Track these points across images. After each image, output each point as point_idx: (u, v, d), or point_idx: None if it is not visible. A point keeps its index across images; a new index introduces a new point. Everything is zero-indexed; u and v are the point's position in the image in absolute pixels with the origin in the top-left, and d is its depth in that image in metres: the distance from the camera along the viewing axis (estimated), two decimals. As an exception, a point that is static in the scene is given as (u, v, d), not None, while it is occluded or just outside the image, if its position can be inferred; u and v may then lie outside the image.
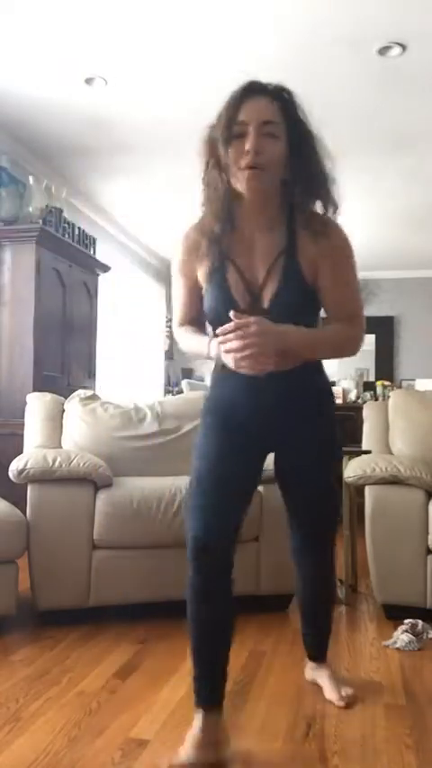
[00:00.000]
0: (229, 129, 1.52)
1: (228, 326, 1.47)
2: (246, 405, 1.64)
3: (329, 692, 1.91)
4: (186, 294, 1.72)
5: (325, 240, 1.60)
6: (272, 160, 1.52)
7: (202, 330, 1.72)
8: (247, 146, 1.50)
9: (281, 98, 1.55)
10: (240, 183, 1.54)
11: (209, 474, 1.62)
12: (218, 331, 1.50)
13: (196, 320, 1.73)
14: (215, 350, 1.53)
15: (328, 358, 1.69)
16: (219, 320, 1.58)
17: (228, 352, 1.47)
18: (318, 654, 2.00)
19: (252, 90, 1.54)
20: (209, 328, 1.69)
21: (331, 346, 1.64)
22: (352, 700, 1.89)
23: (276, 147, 1.52)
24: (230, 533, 1.62)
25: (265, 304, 1.58)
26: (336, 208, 1.62)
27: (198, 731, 1.55)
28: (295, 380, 1.61)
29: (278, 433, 1.71)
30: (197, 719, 1.57)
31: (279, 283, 1.58)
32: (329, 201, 1.63)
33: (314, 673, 2.01)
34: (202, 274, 1.66)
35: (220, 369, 1.64)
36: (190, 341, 1.70)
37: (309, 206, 1.61)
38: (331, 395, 1.79)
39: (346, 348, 1.66)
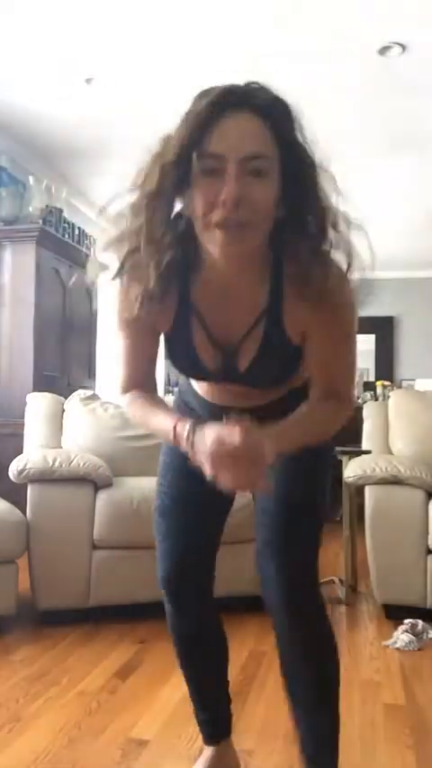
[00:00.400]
0: (198, 164, 1.03)
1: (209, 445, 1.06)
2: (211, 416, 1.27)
3: None
4: (131, 352, 1.29)
5: (319, 304, 1.14)
6: (259, 212, 1.05)
7: (155, 398, 1.31)
8: (224, 194, 1.01)
9: (273, 114, 1.06)
10: (211, 245, 1.07)
11: (172, 502, 1.39)
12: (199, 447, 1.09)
13: (145, 385, 1.31)
14: (184, 443, 1.13)
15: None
16: (184, 375, 1.36)
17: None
18: (310, 761, 1.39)
19: (231, 102, 1.03)
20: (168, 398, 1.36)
21: (312, 438, 1.25)
22: None
23: (265, 190, 1.05)
24: (204, 567, 1.43)
25: (240, 367, 1.22)
26: (351, 260, 1.16)
27: (210, 761, 1.50)
28: (275, 409, 1.24)
29: None
30: (207, 751, 1.51)
31: (258, 348, 1.20)
32: (322, 247, 1.13)
33: None
34: (157, 328, 1.25)
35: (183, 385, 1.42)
36: (146, 419, 1.27)
37: (303, 257, 1.12)
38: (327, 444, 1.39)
39: (328, 434, 1.30)
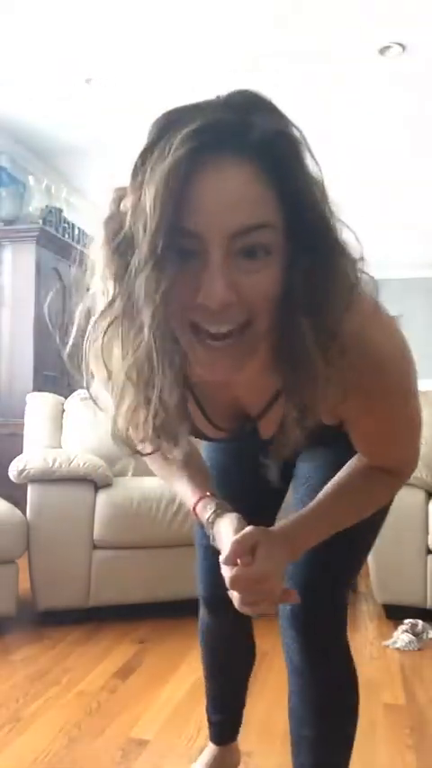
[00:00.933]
0: (167, 242, 0.68)
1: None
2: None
3: None
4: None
5: (350, 375, 0.80)
6: (258, 307, 0.73)
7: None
8: (203, 294, 0.70)
9: (271, 155, 0.71)
10: (192, 358, 0.77)
11: None
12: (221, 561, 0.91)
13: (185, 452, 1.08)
14: (204, 521, 1.00)
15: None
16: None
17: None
18: None
19: (211, 145, 0.68)
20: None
21: (352, 519, 1.00)
22: None
23: (265, 277, 0.72)
24: None
25: (264, 436, 0.97)
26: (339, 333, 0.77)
27: (212, 761, 1.48)
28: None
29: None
30: (212, 749, 1.49)
31: (279, 428, 0.89)
32: (338, 328, 0.76)
33: None
34: None
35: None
36: (169, 481, 1.12)
37: (320, 344, 0.76)
38: None
39: (377, 507, 1.04)
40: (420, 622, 2.45)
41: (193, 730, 1.74)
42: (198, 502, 1.01)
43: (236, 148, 0.68)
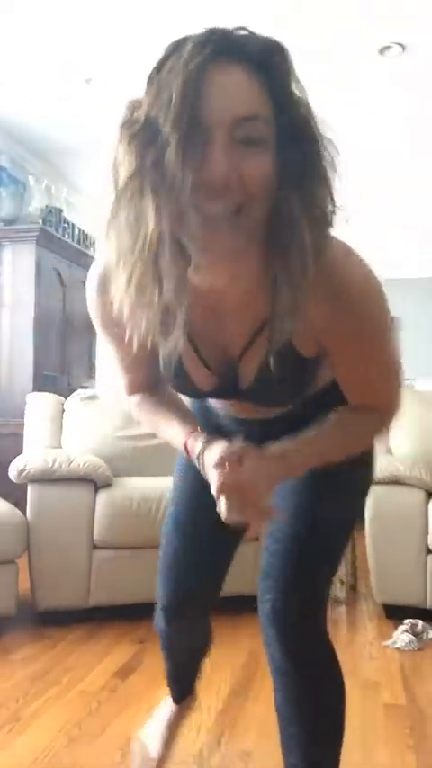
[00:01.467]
0: (180, 131, 0.77)
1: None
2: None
3: None
4: (125, 359, 1.12)
5: (331, 300, 0.91)
6: (254, 189, 0.81)
7: (163, 400, 1.16)
8: (207, 172, 0.78)
9: (268, 68, 0.83)
10: (191, 242, 0.81)
11: (181, 530, 1.31)
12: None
13: (149, 385, 1.16)
14: (195, 454, 1.02)
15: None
16: (179, 391, 1.14)
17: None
18: None
19: (218, 52, 0.80)
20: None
21: (341, 452, 1.05)
22: None
23: (262, 163, 0.81)
24: (208, 598, 1.37)
25: (243, 388, 1.03)
26: (325, 246, 0.90)
27: (173, 716, 1.52)
28: (296, 418, 1.06)
29: None
30: (169, 708, 1.52)
31: (261, 366, 0.98)
32: (325, 236, 0.91)
33: None
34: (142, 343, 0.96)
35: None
36: (156, 426, 1.16)
37: (305, 252, 0.86)
38: (366, 464, 1.28)
39: (360, 448, 1.13)
40: (420, 622, 2.45)
41: (193, 730, 1.74)
42: (188, 438, 1.04)
43: (239, 56, 0.82)
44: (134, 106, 0.88)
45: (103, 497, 2.55)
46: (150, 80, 0.85)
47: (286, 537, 1.11)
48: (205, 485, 0.99)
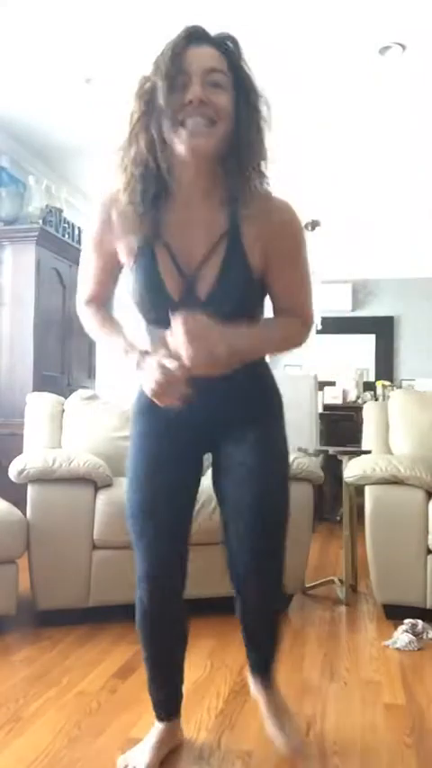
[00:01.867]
0: (169, 78, 1.26)
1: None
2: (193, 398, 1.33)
3: (271, 729, 1.60)
4: (98, 272, 1.47)
5: (270, 219, 1.36)
6: (219, 113, 1.28)
7: (113, 318, 1.48)
8: (190, 95, 1.25)
9: (226, 47, 1.33)
10: (180, 142, 1.27)
11: (145, 503, 1.48)
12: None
13: (105, 301, 1.50)
14: (132, 363, 1.33)
15: (268, 354, 1.54)
16: (145, 309, 1.41)
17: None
18: (260, 677, 1.63)
19: (194, 37, 1.31)
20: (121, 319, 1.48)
21: (275, 346, 1.47)
22: (300, 747, 1.59)
23: (222, 97, 1.29)
24: (181, 562, 1.54)
25: (202, 294, 1.35)
26: (264, 181, 1.37)
27: (160, 737, 1.59)
28: (240, 378, 1.38)
29: (221, 432, 1.49)
30: (159, 726, 1.60)
31: (219, 271, 1.34)
32: (261, 174, 1.36)
33: (258, 695, 1.65)
34: (123, 253, 1.40)
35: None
36: (102, 334, 1.46)
37: (251, 177, 1.34)
38: (278, 392, 1.54)
39: (291, 346, 1.47)
40: (420, 622, 2.45)
41: (193, 730, 1.74)
42: (128, 351, 1.36)
43: (207, 40, 1.33)
44: (143, 78, 1.32)
45: (103, 497, 2.55)
46: (155, 62, 1.30)
47: (249, 524, 1.46)
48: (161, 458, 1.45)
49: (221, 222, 1.36)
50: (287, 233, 1.40)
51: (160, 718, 1.60)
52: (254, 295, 1.42)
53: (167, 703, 1.61)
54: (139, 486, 1.49)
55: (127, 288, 1.44)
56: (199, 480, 1.58)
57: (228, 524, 1.51)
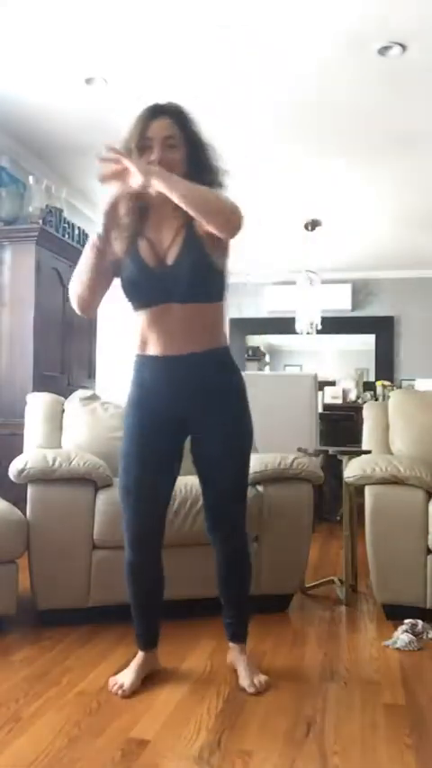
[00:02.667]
0: (138, 144, 1.86)
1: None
2: (161, 378, 1.93)
3: (242, 679, 2.01)
4: (97, 257, 1.94)
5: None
6: (172, 166, 1.83)
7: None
8: (152, 156, 1.84)
9: (178, 116, 1.90)
10: (150, 189, 1.79)
11: (137, 480, 1.96)
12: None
13: (98, 285, 1.95)
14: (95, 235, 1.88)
15: (194, 206, 1.78)
16: (134, 285, 1.91)
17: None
18: (235, 636, 2.10)
19: (155, 112, 1.88)
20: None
21: (200, 195, 1.79)
22: (264, 687, 1.98)
23: (176, 154, 1.87)
24: (162, 526, 2.02)
25: (170, 261, 1.88)
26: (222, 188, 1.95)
27: (141, 662, 2.04)
28: (205, 359, 1.92)
29: (193, 407, 1.95)
30: (141, 655, 2.05)
31: (181, 247, 1.88)
32: (221, 186, 1.95)
33: (233, 657, 2.11)
34: (119, 248, 1.92)
35: (138, 349, 1.98)
36: (80, 263, 1.93)
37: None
38: (238, 373, 2.02)
39: (217, 210, 1.81)
40: (420, 622, 2.45)
41: (193, 730, 1.74)
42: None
43: (164, 113, 1.89)
44: (123, 140, 1.89)
45: (103, 497, 2.55)
46: (128, 130, 1.89)
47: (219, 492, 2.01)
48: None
49: (182, 220, 1.89)
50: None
51: (141, 648, 2.06)
52: (209, 267, 1.90)
53: (146, 636, 2.06)
54: (129, 462, 1.96)
55: (123, 276, 1.94)
56: (180, 455, 2.05)
57: (204, 480, 2.02)
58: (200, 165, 1.91)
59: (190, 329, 1.90)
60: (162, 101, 1.94)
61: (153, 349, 1.92)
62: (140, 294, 1.92)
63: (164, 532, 2.03)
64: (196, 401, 1.95)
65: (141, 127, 1.86)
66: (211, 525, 2.03)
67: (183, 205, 1.76)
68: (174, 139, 1.87)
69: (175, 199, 1.75)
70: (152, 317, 1.91)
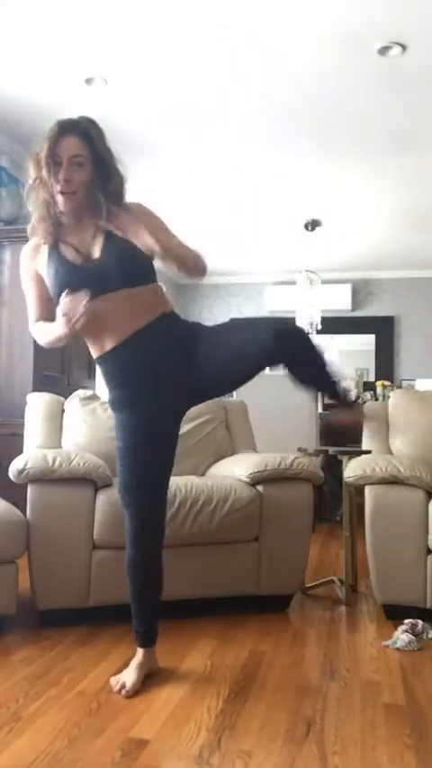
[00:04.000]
0: (48, 160, 1.91)
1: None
2: (133, 363, 1.99)
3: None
4: (37, 296, 2.11)
5: (129, 212, 2.00)
6: (79, 184, 1.93)
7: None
8: (60, 175, 1.91)
9: (86, 133, 1.93)
10: (58, 203, 1.96)
11: (135, 475, 2.03)
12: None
13: (49, 317, 2.06)
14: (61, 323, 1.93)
15: (181, 260, 1.92)
16: (67, 287, 1.93)
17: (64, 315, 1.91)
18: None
19: (65, 130, 1.92)
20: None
21: (192, 254, 1.96)
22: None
23: (82, 172, 1.93)
24: (163, 521, 2.09)
25: (96, 255, 1.97)
26: (123, 197, 2.03)
27: (141, 660, 2.05)
28: (159, 321, 2.00)
29: (177, 357, 1.99)
30: (140, 653, 2.07)
31: (104, 242, 1.96)
32: (122, 194, 2.02)
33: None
34: (42, 264, 2.05)
35: (96, 351, 2.07)
36: (44, 328, 2.07)
37: (112, 202, 1.99)
38: (194, 322, 2.12)
39: (199, 262, 1.98)
40: (420, 622, 2.45)
41: (193, 730, 1.74)
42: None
43: (74, 131, 1.93)
44: (35, 154, 1.94)
45: (102, 497, 2.54)
46: (40, 145, 1.93)
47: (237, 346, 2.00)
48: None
49: (97, 221, 2.00)
50: (145, 213, 2.03)
51: (141, 645, 2.08)
52: (132, 255, 1.94)
53: (146, 635, 2.08)
54: (126, 459, 2.03)
55: (49, 284, 2.03)
56: (176, 442, 2.11)
57: (237, 359, 1.99)
58: (105, 181, 1.97)
59: (132, 310, 1.96)
60: (74, 115, 2.00)
61: (110, 342, 1.99)
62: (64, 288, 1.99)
63: (164, 529, 2.09)
64: (177, 351, 1.98)
65: (51, 143, 1.90)
66: (275, 347, 1.94)
67: (172, 260, 1.90)
68: (81, 158, 1.91)
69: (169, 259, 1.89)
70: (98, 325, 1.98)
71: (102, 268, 1.94)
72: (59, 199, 1.93)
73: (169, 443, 2.09)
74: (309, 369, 2.04)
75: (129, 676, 2.00)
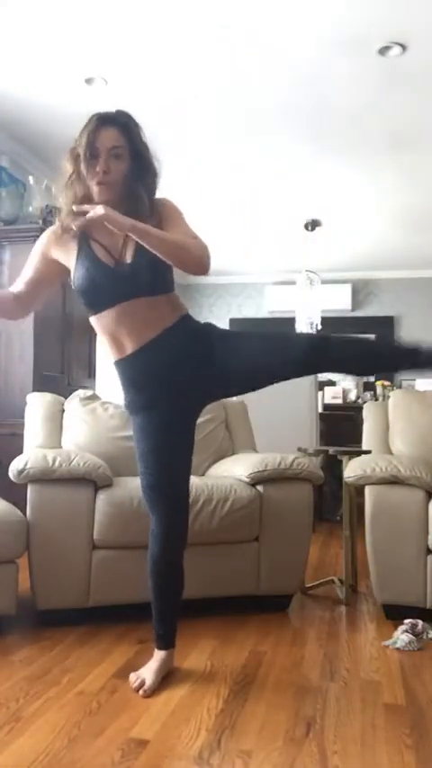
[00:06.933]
0: (86, 152, 1.90)
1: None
2: (154, 367, 1.99)
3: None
4: (33, 271, 2.11)
5: (162, 210, 2.01)
6: (116, 176, 1.93)
7: (16, 299, 2.12)
8: (98, 167, 1.90)
9: (125, 126, 1.94)
10: (94, 195, 1.94)
11: (158, 477, 2.04)
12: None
13: (23, 293, 2.10)
14: None
15: (167, 255, 1.86)
16: (96, 286, 1.96)
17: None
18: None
19: (104, 122, 1.92)
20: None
21: (171, 242, 1.86)
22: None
23: (121, 165, 1.93)
24: (186, 518, 2.09)
25: (128, 260, 1.96)
26: (155, 192, 2.03)
27: (161, 662, 2.04)
28: (176, 325, 2.00)
29: (198, 371, 2.00)
30: (159, 654, 2.05)
31: (136, 246, 1.93)
32: (154, 190, 2.03)
33: None
34: (66, 259, 2.03)
35: (115, 354, 2.05)
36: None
37: (147, 195, 1.98)
38: (207, 324, 2.11)
39: (186, 254, 1.88)
40: (420, 622, 2.45)
41: (193, 730, 1.74)
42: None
43: (112, 123, 1.93)
44: (72, 148, 1.95)
45: (103, 497, 2.55)
46: (77, 138, 1.93)
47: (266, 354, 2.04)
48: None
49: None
50: (174, 214, 2.02)
51: (162, 648, 2.06)
52: (161, 267, 1.93)
53: (166, 637, 2.07)
54: (147, 458, 2.04)
55: (76, 282, 2.00)
56: (193, 440, 2.12)
57: (264, 362, 2.02)
58: (142, 174, 1.98)
59: (154, 318, 1.97)
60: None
61: (130, 347, 1.99)
62: (104, 294, 1.97)
63: (188, 529, 2.10)
64: (194, 354, 2.00)
65: (90, 136, 1.90)
66: (307, 355, 2.01)
67: (158, 253, 1.85)
68: (120, 149, 1.92)
69: (150, 248, 1.84)
70: (117, 315, 1.97)
71: (134, 272, 1.94)
72: (95, 189, 1.92)
73: (188, 443, 2.11)
74: (363, 360, 2.06)
75: (149, 676, 1.99)
